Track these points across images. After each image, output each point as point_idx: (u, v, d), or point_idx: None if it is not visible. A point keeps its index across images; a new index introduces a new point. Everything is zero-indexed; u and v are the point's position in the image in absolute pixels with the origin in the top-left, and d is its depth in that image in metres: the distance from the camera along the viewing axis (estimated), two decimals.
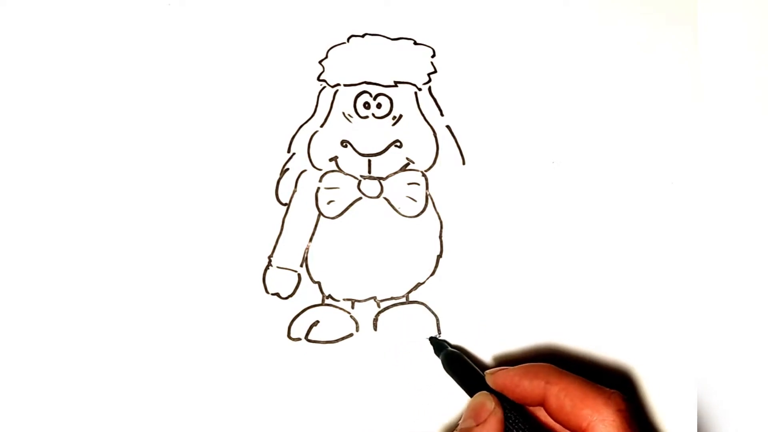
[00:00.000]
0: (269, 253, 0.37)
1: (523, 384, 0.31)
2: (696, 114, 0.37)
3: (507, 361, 0.36)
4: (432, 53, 0.38)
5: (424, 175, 0.37)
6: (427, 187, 0.37)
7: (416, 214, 0.37)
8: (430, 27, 0.38)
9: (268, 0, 0.38)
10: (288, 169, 0.37)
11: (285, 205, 0.37)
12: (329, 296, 0.37)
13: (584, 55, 0.38)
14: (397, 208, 0.37)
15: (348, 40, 0.38)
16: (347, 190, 0.37)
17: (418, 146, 0.37)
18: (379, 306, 0.37)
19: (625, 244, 0.37)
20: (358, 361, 0.36)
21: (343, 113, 0.37)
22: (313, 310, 0.37)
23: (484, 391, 0.32)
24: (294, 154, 0.37)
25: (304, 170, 0.37)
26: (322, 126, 0.37)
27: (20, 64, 0.38)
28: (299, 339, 0.36)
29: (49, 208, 0.37)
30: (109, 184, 0.37)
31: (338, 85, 0.38)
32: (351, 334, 0.36)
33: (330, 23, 0.38)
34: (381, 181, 0.37)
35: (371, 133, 0.37)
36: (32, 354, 0.36)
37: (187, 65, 0.38)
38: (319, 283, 0.37)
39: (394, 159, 0.37)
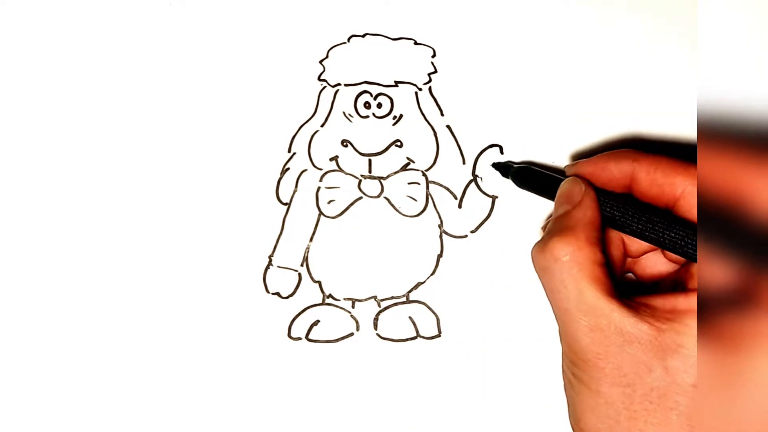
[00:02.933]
0: (270, 253, 0.37)
1: (609, 167, 0.31)
2: (696, 114, 0.37)
3: None
4: (432, 53, 0.38)
5: (424, 174, 0.37)
6: (427, 187, 0.37)
7: (416, 213, 0.37)
8: (430, 27, 0.38)
9: (268, 0, 0.38)
10: (288, 168, 0.37)
11: (285, 204, 0.37)
12: (330, 296, 0.37)
13: (584, 55, 0.38)
14: (397, 207, 0.37)
15: (348, 39, 0.38)
16: (348, 189, 0.37)
17: (419, 146, 0.37)
18: (379, 305, 0.37)
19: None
20: (358, 360, 0.36)
21: (344, 113, 0.38)
22: (313, 310, 0.37)
23: (572, 177, 0.31)
24: (294, 153, 0.37)
25: (305, 170, 0.37)
26: (322, 126, 0.37)
27: (20, 64, 0.38)
28: (300, 338, 0.36)
29: (49, 208, 0.37)
30: (109, 184, 0.37)
31: (339, 84, 0.38)
32: (351, 334, 0.37)
33: (330, 23, 0.38)
34: (381, 180, 0.37)
35: (372, 133, 0.37)
36: (32, 354, 0.36)
37: (188, 65, 0.38)
38: (319, 282, 0.37)
39: (394, 159, 0.37)
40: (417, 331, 0.36)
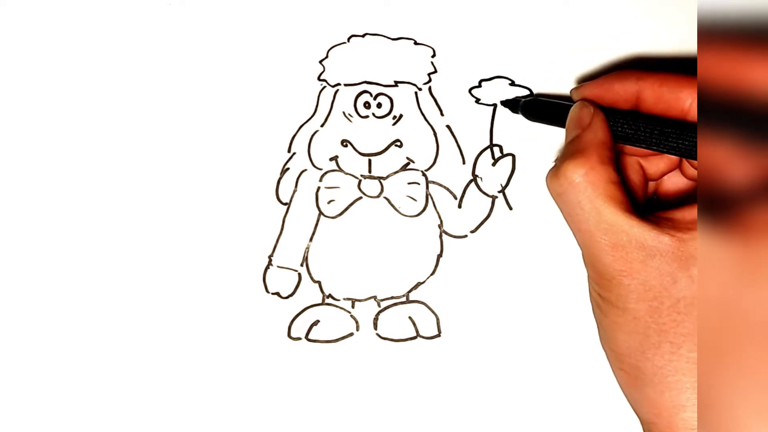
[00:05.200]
0: (269, 253, 0.37)
1: (614, 87, 0.31)
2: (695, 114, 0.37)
3: None
4: (432, 53, 0.38)
5: (424, 174, 0.37)
6: (427, 187, 0.37)
7: (416, 213, 0.37)
8: (430, 27, 0.38)
9: (268, 0, 0.38)
10: (288, 168, 0.37)
11: (285, 204, 0.37)
12: (329, 296, 0.37)
13: (584, 55, 0.38)
14: (397, 207, 0.37)
15: (348, 39, 0.38)
16: (347, 189, 0.37)
17: (419, 146, 0.37)
18: (379, 305, 0.37)
19: None
20: (358, 360, 0.36)
21: (344, 113, 0.38)
22: (313, 310, 0.37)
23: (580, 101, 0.31)
24: (294, 153, 0.37)
25: (305, 170, 0.37)
26: (322, 125, 0.37)
27: (20, 64, 0.38)
28: (299, 338, 0.36)
29: (48, 208, 0.37)
30: (109, 184, 0.37)
31: (338, 84, 0.38)
32: (351, 334, 0.37)
33: (330, 23, 0.38)
34: (381, 180, 0.37)
35: (371, 133, 0.37)
36: (32, 354, 0.36)
37: (188, 65, 0.38)
38: (319, 282, 0.37)
39: (394, 158, 0.37)
40: (417, 331, 0.36)
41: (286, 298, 0.37)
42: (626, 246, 0.27)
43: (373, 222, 0.37)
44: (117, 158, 0.37)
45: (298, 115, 0.37)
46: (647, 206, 0.33)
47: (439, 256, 0.37)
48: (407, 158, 0.37)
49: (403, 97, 0.37)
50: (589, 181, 0.27)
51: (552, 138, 0.37)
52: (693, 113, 0.29)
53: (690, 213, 0.27)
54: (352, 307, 0.37)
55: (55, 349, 0.36)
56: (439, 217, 0.37)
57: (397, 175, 0.37)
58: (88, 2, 0.38)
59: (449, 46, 0.38)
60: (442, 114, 0.38)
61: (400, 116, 0.37)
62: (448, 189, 0.37)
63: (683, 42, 0.38)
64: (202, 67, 0.38)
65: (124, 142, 0.37)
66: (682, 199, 0.33)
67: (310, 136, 0.37)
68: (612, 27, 0.38)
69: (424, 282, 0.37)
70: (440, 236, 0.37)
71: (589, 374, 0.36)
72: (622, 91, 0.31)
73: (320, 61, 0.38)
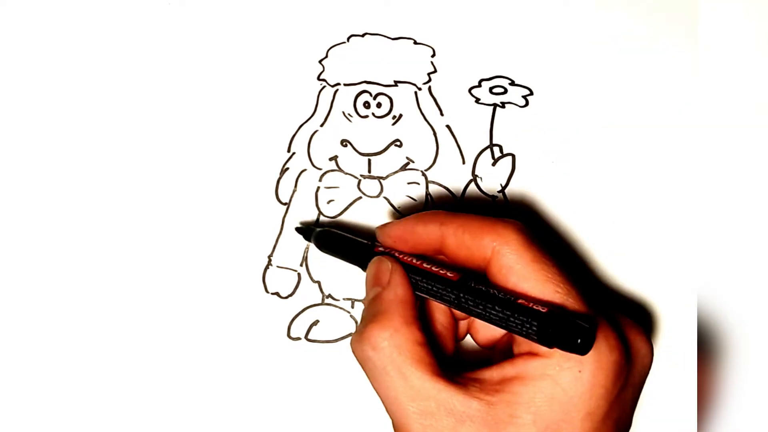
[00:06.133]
0: (269, 253, 0.37)
1: (417, 231, 0.30)
2: (696, 114, 0.37)
3: None
4: (432, 53, 0.38)
5: (424, 174, 0.37)
6: (426, 187, 0.37)
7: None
8: (430, 27, 0.38)
9: (268, 0, 0.38)
10: (288, 168, 0.37)
11: (285, 204, 0.37)
12: (329, 295, 0.37)
13: (584, 55, 0.38)
14: (397, 207, 0.37)
15: (348, 39, 0.38)
16: (347, 189, 0.37)
17: (418, 146, 0.37)
18: None
19: (623, 244, 0.37)
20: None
21: (343, 113, 0.38)
22: (313, 310, 0.37)
23: (378, 257, 0.30)
24: (294, 153, 0.37)
25: (304, 170, 0.37)
26: (322, 125, 0.37)
27: (20, 63, 0.38)
28: (299, 338, 0.36)
29: (48, 208, 0.37)
30: (108, 184, 0.37)
31: (338, 84, 0.38)
32: (351, 334, 0.37)
33: (330, 23, 0.38)
34: (381, 180, 0.37)
35: (371, 133, 0.37)
36: (32, 354, 0.36)
37: (187, 65, 0.38)
38: (319, 282, 0.37)
39: (394, 158, 0.37)
40: None
41: (286, 298, 0.37)
42: (435, 413, 0.26)
43: (373, 222, 0.37)
44: (116, 158, 0.37)
45: (297, 115, 0.37)
46: (455, 357, 0.32)
47: None
48: (407, 158, 0.37)
49: (402, 97, 0.37)
50: (394, 344, 0.27)
51: (552, 138, 0.37)
52: (496, 261, 0.27)
53: (497, 373, 0.26)
54: (352, 307, 0.37)
55: (55, 349, 0.36)
56: None
57: (396, 175, 0.37)
58: (88, 2, 0.38)
59: (449, 46, 0.38)
60: (441, 114, 0.37)
61: (400, 116, 0.37)
62: (448, 189, 0.37)
63: (683, 42, 0.38)
64: (201, 66, 0.38)
65: (124, 141, 0.37)
66: (497, 349, 0.31)
67: (309, 136, 0.37)
68: (612, 27, 0.38)
69: None
70: None
71: None
72: (425, 235, 0.29)
73: (320, 61, 0.38)
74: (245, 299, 0.36)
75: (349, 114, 0.37)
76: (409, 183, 0.37)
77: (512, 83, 0.37)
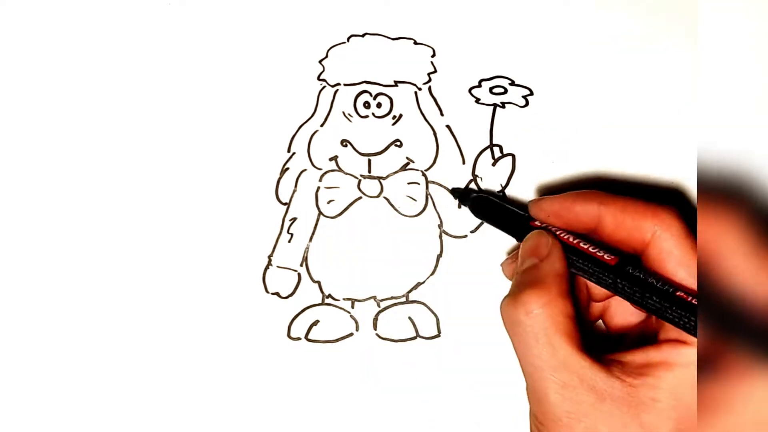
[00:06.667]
0: (269, 253, 0.37)
1: (575, 208, 0.30)
2: (696, 114, 0.37)
3: None
4: (432, 53, 0.38)
5: (424, 174, 0.37)
6: (427, 187, 0.37)
7: (416, 213, 0.37)
8: (430, 27, 0.38)
9: (268, 0, 0.38)
10: (288, 168, 0.37)
11: (285, 204, 0.37)
12: (329, 296, 0.37)
13: (584, 54, 0.38)
14: (397, 207, 0.37)
15: (348, 39, 0.38)
16: (347, 189, 0.37)
17: (418, 146, 0.37)
18: (379, 305, 0.37)
19: None
20: (358, 360, 0.36)
21: (343, 113, 0.37)
22: (313, 310, 0.37)
23: (538, 231, 0.30)
24: (294, 153, 0.37)
25: (304, 170, 0.37)
26: (322, 125, 0.37)
27: (20, 63, 0.38)
28: (299, 338, 0.36)
29: (48, 208, 0.37)
30: (108, 184, 0.37)
31: (338, 84, 0.38)
32: (351, 334, 0.37)
33: (330, 23, 0.38)
34: (381, 180, 0.37)
35: (371, 133, 0.37)
36: (32, 354, 0.36)
37: (187, 65, 0.38)
38: (319, 282, 0.37)
39: (394, 158, 0.37)
40: (417, 332, 0.36)
41: (286, 298, 0.37)
42: (576, 387, 0.26)
43: (372, 222, 0.37)
44: (116, 158, 0.37)
45: (297, 115, 0.37)
46: (591, 333, 0.32)
47: (439, 256, 0.37)
48: (407, 158, 0.37)
49: (402, 97, 0.37)
50: (547, 313, 0.27)
51: (552, 138, 0.37)
52: (654, 246, 0.27)
53: (641, 357, 0.27)
54: (352, 307, 0.37)
55: (55, 349, 0.36)
56: (439, 217, 0.37)
57: (396, 175, 0.37)
58: (88, 2, 0.38)
59: (449, 46, 0.38)
60: (442, 114, 0.37)
61: (400, 116, 0.37)
62: (448, 189, 0.37)
63: (683, 42, 0.38)
64: (201, 66, 0.38)
65: (124, 141, 0.37)
66: (627, 334, 0.31)
67: (309, 136, 0.37)
68: (612, 27, 0.38)
69: (423, 282, 0.37)
70: (440, 236, 0.37)
71: None
72: (583, 213, 0.29)
73: (320, 61, 0.38)
74: (245, 299, 0.36)
75: (349, 114, 0.37)
76: (409, 183, 0.37)
77: (512, 83, 0.37)
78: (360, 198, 0.37)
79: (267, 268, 0.37)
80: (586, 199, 0.30)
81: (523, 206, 0.33)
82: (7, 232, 0.37)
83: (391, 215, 0.37)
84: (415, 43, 0.38)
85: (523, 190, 0.37)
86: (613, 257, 0.28)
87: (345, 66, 0.38)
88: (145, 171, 0.37)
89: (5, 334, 0.36)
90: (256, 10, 0.38)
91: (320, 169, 0.37)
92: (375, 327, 0.37)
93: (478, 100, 0.37)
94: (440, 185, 0.37)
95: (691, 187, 0.37)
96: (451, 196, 0.37)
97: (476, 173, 0.37)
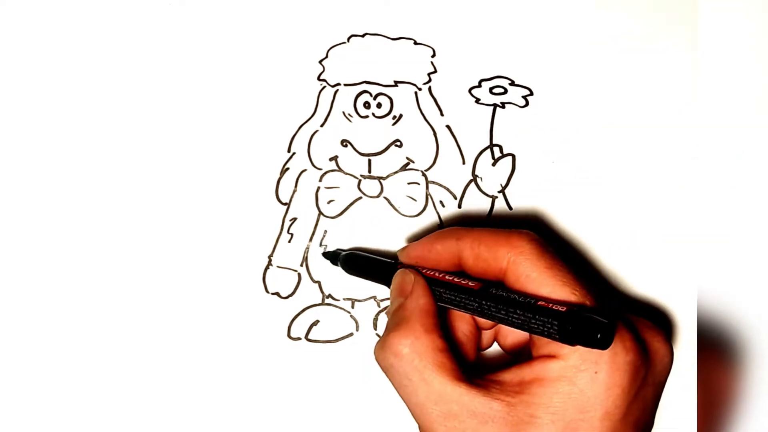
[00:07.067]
0: (269, 253, 0.37)
1: (436, 248, 0.31)
2: (696, 114, 0.37)
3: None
4: (432, 53, 0.38)
5: (424, 174, 0.37)
6: (427, 187, 0.37)
7: (416, 213, 0.37)
8: (430, 27, 0.38)
9: (268, 0, 0.38)
10: (288, 168, 0.37)
11: (285, 204, 0.37)
12: (329, 296, 0.37)
13: (584, 54, 0.38)
14: (397, 207, 0.37)
15: (348, 39, 0.38)
16: (347, 189, 0.37)
17: (418, 146, 0.37)
18: (379, 305, 0.37)
19: (622, 244, 0.37)
20: (358, 360, 0.36)
21: (343, 113, 0.38)
22: (313, 310, 0.37)
23: (401, 269, 0.31)
24: (294, 153, 0.37)
25: (304, 170, 0.37)
26: (322, 125, 0.37)
27: (20, 64, 0.38)
28: (299, 338, 0.36)
29: (48, 208, 0.37)
30: (109, 184, 0.37)
31: (338, 84, 0.38)
32: (351, 334, 0.37)
33: (330, 23, 0.38)
34: (381, 180, 0.37)
35: (371, 133, 0.37)
36: (32, 354, 0.36)
37: (188, 65, 0.38)
38: (319, 282, 0.37)
39: (394, 158, 0.37)
40: None
41: (286, 298, 0.37)
42: (458, 415, 0.27)
43: (372, 222, 0.37)
44: (116, 158, 0.37)
45: (297, 115, 0.37)
46: (477, 362, 0.32)
47: None
48: (407, 158, 0.37)
49: (402, 97, 0.37)
50: (415, 351, 0.27)
51: (552, 138, 0.37)
52: (511, 272, 0.28)
53: (515, 375, 0.27)
54: (352, 307, 0.37)
55: (55, 350, 0.36)
56: (439, 217, 0.37)
57: (396, 175, 0.37)
58: (88, 2, 0.38)
59: (449, 46, 0.38)
60: (442, 114, 0.37)
61: (400, 116, 0.37)
62: (448, 189, 0.37)
63: (683, 42, 0.38)
64: (202, 66, 0.38)
65: (124, 141, 0.37)
66: (521, 351, 0.32)
67: (309, 136, 0.37)
68: (612, 27, 0.38)
69: None
70: None
71: None
72: (444, 251, 0.30)
73: (320, 61, 0.38)
74: (245, 299, 0.36)
75: (349, 114, 0.37)
76: (409, 183, 0.37)
77: (512, 83, 0.37)
78: (360, 198, 0.37)
79: (267, 268, 0.37)
80: (445, 237, 0.31)
81: (393, 256, 0.33)
82: (7, 232, 0.37)
83: (391, 215, 0.37)
84: (415, 43, 0.38)
85: (523, 190, 0.37)
86: (476, 283, 0.29)
87: (345, 66, 0.38)
88: (146, 171, 0.37)
89: (5, 334, 0.36)
90: (256, 11, 0.38)
91: (320, 169, 0.37)
92: (375, 327, 0.37)
93: (478, 100, 0.37)
94: (440, 185, 0.37)
95: (691, 187, 0.37)
96: (451, 196, 0.37)
97: (476, 173, 0.37)
